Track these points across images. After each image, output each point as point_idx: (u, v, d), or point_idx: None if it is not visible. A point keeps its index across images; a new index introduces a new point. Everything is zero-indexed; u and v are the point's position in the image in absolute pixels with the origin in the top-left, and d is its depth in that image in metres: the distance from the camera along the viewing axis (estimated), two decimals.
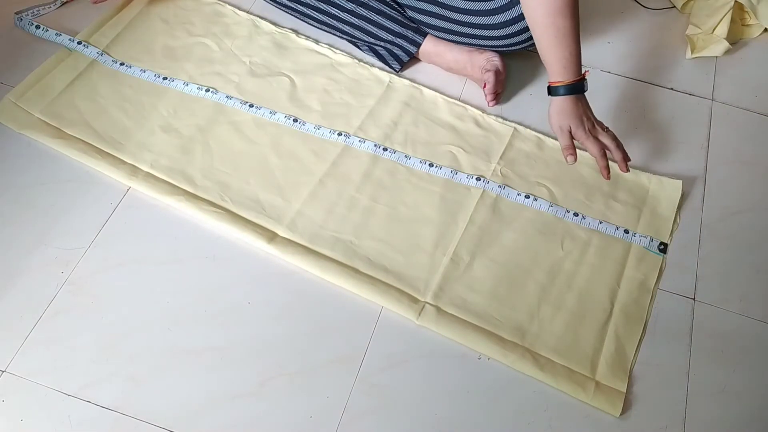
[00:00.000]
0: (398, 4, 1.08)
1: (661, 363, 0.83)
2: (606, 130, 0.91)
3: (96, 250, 0.87)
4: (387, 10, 1.06)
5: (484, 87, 1.04)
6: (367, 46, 1.09)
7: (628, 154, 0.91)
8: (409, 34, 1.07)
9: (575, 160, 0.90)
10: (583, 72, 0.90)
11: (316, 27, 1.11)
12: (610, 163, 0.92)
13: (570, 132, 0.90)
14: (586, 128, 0.90)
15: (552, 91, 0.90)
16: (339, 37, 1.11)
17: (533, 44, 1.01)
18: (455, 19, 1.01)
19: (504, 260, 0.89)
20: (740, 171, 1.02)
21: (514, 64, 1.10)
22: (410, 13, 1.07)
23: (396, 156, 0.97)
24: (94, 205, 0.91)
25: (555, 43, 0.87)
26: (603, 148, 0.90)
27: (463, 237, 0.90)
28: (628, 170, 0.91)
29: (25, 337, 0.79)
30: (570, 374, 0.80)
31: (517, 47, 1.03)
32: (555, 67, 0.89)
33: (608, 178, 0.90)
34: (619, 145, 0.90)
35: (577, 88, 0.88)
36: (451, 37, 1.04)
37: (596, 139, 0.90)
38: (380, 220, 0.91)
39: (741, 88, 1.13)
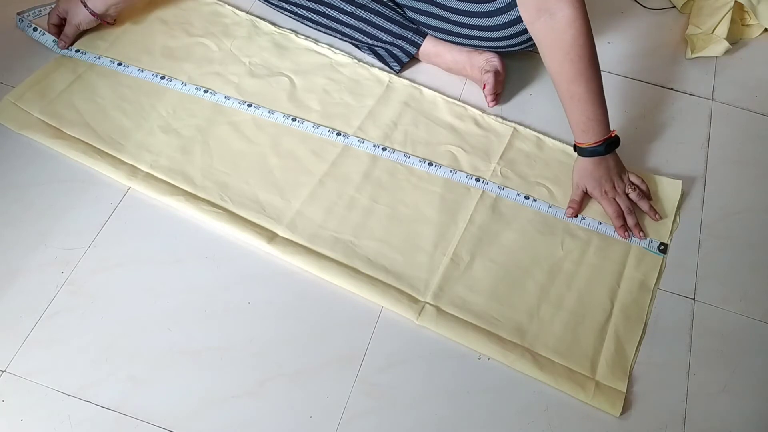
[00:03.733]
0: (397, 4, 1.08)
1: (661, 363, 0.83)
2: (634, 187, 0.93)
3: (96, 250, 0.87)
4: (386, 11, 1.06)
5: (484, 88, 1.04)
6: (367, 47, 1.09)
7: (652, 207, 0.94)
8: (409, 35, 1.07)
9: (572, 214, 0.93)
10: (609, 132, 0.91)
11: (315, 29, 1.11)
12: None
13: (585, 191, 0.93)
14: (603, 189, 0.92)
15: (576, 149, 0.93)
16: (340, 38, 1.11)
17: (532, 45, 1.02)
18: (454, 20, 1.01)
19: (504, 260, 0.89)
20: (740, 171, 1.02)
21: (514, 64, 1.10)
22: (410, 13, 1.07)
23: (395, 156, 0.97)
24: (94, 205, 0.91)
25: (572, 107, 0.89)
26: (619, 210, 0.92)
27: (462, 237, 0.90)
28: (642, 236, 0.92)
29: (25, 337, 0.79)
30: (570, 374, 0.80)
31: (517, 48, 1.03)
32: (575, 130, 0.92)
33: (624, 237, 0.91)
34: (633, 212, 0.92)
35: (597, 150, 0.91)
36: (450, 38, 1.04)
37: (612, 200, 0.92)
38: (380, 220, 0.91)
39: (741, 88, 1.13)
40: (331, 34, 1.11)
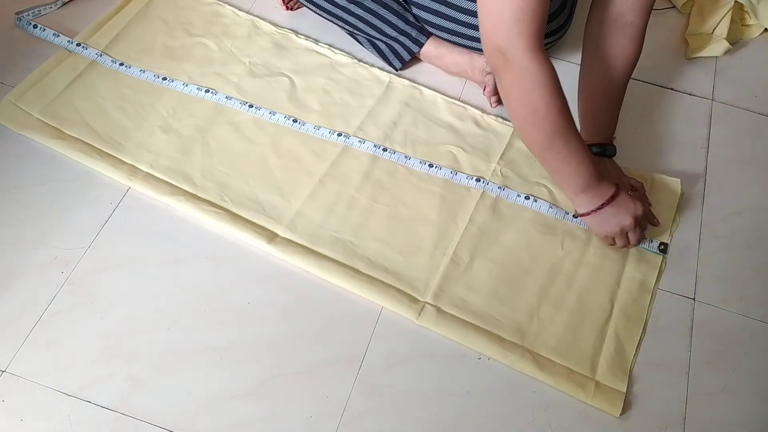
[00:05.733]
0: (405, 0, 1.07)
1: (661, 363, 0.83)
2: (633, 190, 0.94)
3: (96, 250, 0.87)
4: (393, 5, 1.05)
5: (485, 89, 1.04)
6: (368, 40, 1.09)
7: (653, 217, 0.94)
8: (413, 32, 1.06)
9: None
10: (612, 139, 0.94)
11: (319, 15, 1.09)
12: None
13: None
14: None
15: None
16: (340, 27, 1.09)
17: None
18: (461, 20, 1.01)
19: (504, 260, 0.89)
20: (740, 171, 1.02)
21: None
22: (415, 10, 1.06)
23: (396, 156, 0.97)
24: (94, 205, 0.91)
25: (599, 106, 0.94)
26: None
27: (462, 237, 0.90)
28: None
29: (25, 337, 0.79)
30: (570, 374, 0.80)
31: None
32: (588, 128, 0.95)
33: None
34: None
35: (599, 151, 0.93)
36: (454, 38, 1.04)
37: None
38: (380, 220, 0.91)
39: (741, 88, 1.13)
40: (334, 21, 1.08)
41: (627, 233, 0.87)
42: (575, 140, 0.81)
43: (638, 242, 0.89)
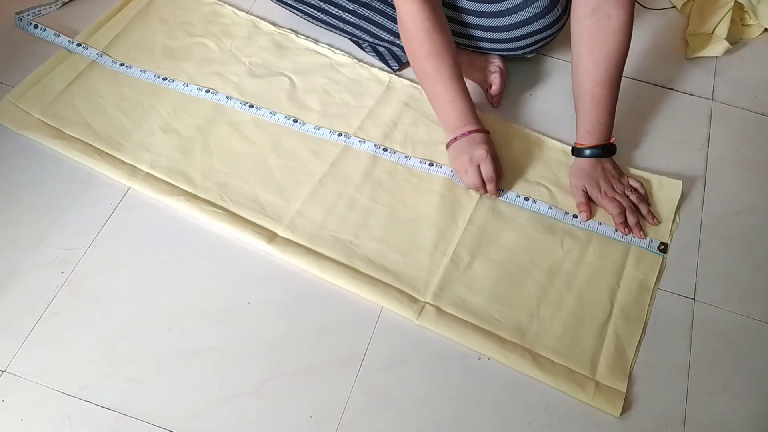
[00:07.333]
0: None
1: (661, 363, 0.83)
2: (633, 190, 0.94)
3: (96, 250, 0.87)
4: (389, 10, 1.06)
5: (490, 88, 1.04)
6: (369, 45, 1.09)
7: (649, 211, 0.93)
8: None
9: (587, 217, 0.92)
10: (610, 138, 0.93)
11: (317, 26, 1.11)
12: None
13: (585, 191, 0.93)
14: (602, 190, 0.93)
15: (574, 151, 0.95)
16: (341, 35, 1.11)
17: (534, 51, 1.03)
18: (460, 20, 1.01)
19: (503, 260, 0.89)
20: (740, 171, 1.02)
21: (515, 64, 1.10)
22: None
23: (396, 156, 0.97)
24: (94, 205, 0.91)
25: (588, 107, 0.91)
26: (621, 207, 0.92)
27: (462, 237, 0.90)
28: (641, 236, 0.91)
29: (25, 337, 0.79)
30: (570, 374, 0.80)
31: (519, 52, 1.03)
32: (581, 130, 0.93)
33: (624, 233, 0.91)
34: (634, 210, 0.92)
35: (596, 152, 0.92)
36: (454, 38, 1.04)
37: (612, 199, 0.92)
38: (380, 220, 0.91)
39: (741, 88, 1.13)
40: (332, 31, 1.10)
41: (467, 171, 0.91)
42: (443, 85, 0.91)
43: (473, 185, 0.91)
